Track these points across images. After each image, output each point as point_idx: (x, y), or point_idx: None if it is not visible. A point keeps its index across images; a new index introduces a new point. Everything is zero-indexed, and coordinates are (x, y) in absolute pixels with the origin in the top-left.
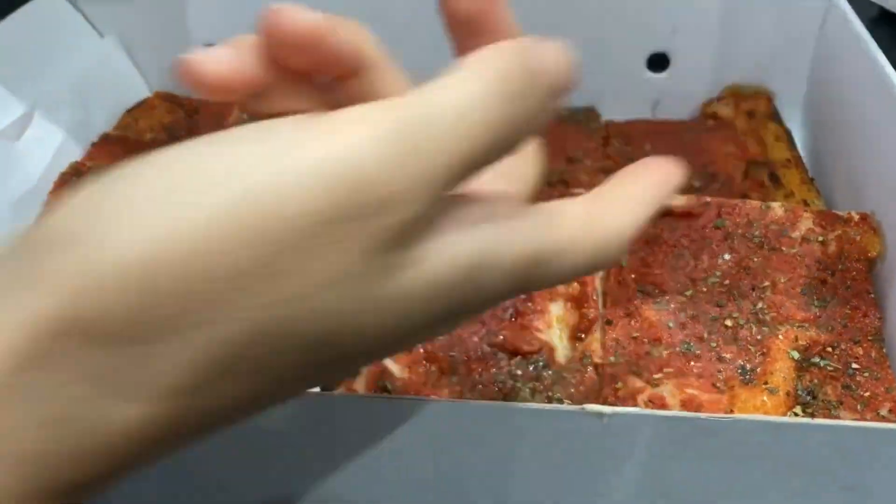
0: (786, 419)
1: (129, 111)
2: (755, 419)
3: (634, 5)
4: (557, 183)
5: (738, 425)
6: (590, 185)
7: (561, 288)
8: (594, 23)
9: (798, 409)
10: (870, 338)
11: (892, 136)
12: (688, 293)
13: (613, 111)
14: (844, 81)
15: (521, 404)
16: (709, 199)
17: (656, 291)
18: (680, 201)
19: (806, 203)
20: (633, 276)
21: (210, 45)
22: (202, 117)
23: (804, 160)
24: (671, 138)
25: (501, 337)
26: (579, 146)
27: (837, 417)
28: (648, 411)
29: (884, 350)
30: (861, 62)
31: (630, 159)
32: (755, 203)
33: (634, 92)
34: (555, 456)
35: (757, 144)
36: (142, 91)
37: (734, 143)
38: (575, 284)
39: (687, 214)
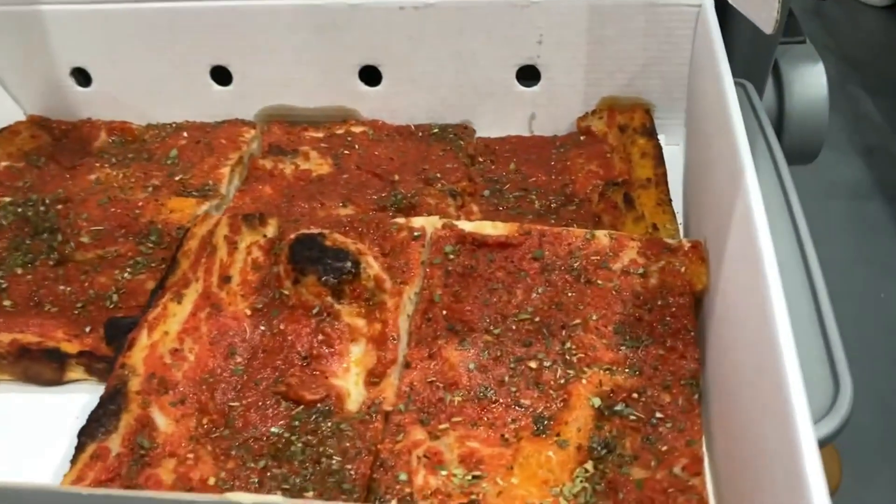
0: None
1: None
2: None
3: (497, 16)
4: (406, 207)
5: None
6: (436, 210)
7: (363, 327)
8: (458, 35)
9: (589, 465)
10: (682, 382)
11: (724, 160)
12: (496, 331)
13: (490, 127)
14: (703, 98)
15: (157, 493)
16: (531, 227)
17: (465, 329)
18: (498, 230)
19: (655, 227)
20: (443, 311)
21: (79, 68)
22: (70, 142)
23: (682, 178)
24: (537, 155)
25: (286, 385)
26: (440, 167)
27: (628, 475)
28: (294, 502)
29: (696, 397)
30: (712, 77)
31: (491, 179)
32: (579, 231)
33: (508, 106)
34: None
35: (622, 161)
36: (14, 115)
37: (598, 161)
38: (377, 323)
39: (505, 244)
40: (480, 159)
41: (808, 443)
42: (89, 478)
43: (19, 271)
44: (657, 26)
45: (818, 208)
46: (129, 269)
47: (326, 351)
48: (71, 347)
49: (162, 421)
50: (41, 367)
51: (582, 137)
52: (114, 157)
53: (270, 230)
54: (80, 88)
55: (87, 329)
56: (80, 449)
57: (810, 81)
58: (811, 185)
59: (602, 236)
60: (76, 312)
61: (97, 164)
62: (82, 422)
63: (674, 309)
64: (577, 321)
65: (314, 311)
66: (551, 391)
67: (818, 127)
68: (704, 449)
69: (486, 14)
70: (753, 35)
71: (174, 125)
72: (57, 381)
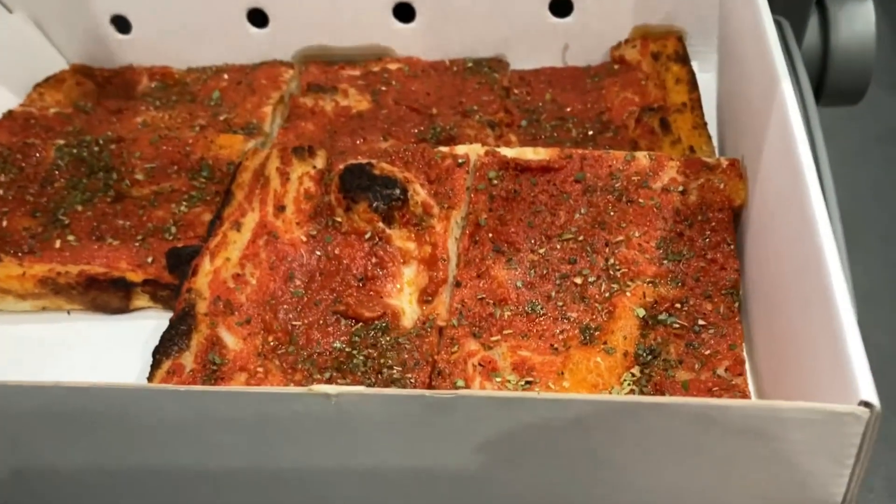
0: (510, 394)
1: (37, 86)
2: (480, 394)
3: None
4: (446, 139)
5: (464, 401)
6: (475, 141)
7: (414, 250)
8: None
9: (636, 370)
10: (723, 292)
11: (759, 76)
12: (541, 251)
13: (523, 59)
14: (737, 21)
15: (251, 389)
16: (572, 151)
17: (511, 250)
18: (540, 155)
19: (692, 149)
20: (489, 234)
21: (118, 15)
22: (113, 87)
23: (716, 102)
24: (572, 85)
25: (345, 304)
26: (476, 99)
27: (674, 378)
28: (374, 391)
29: (736, 304)
30: (745, 1)
31: (528, 110)
32: (619, 154)
33: (542, 39)
34: (289, 434)
35: (657, 88)
36: (57, 65)
37: (633, 89)
38: (427, 246)
39: (547, 168)
40: (516, 91)
41: (851, 328)
42: None
43: (79, 208)
44: None
45: (864, 150)
46: (184, 203)
47: (380, 273)
48: (136, 276)
49: (230, 340)
50: (109, 296)
51: (616, 66)
52: (158, 101)
53: (319, 162)
54: (119, 36)
55: (150, 259)
56: (155, 366)
57: (857, 18)
58: (857, 127)
59: (642, 157)
60: (137, 245)
61: (142, 108)
62: (151, 345)
63: (713, 224)
64: (620, 238)
65: (366, 237)
66: (597, 304)
67: (864, 66)
68: (744, 352)
69: None
70: None
71: (214, 68)
72: (123, 308)
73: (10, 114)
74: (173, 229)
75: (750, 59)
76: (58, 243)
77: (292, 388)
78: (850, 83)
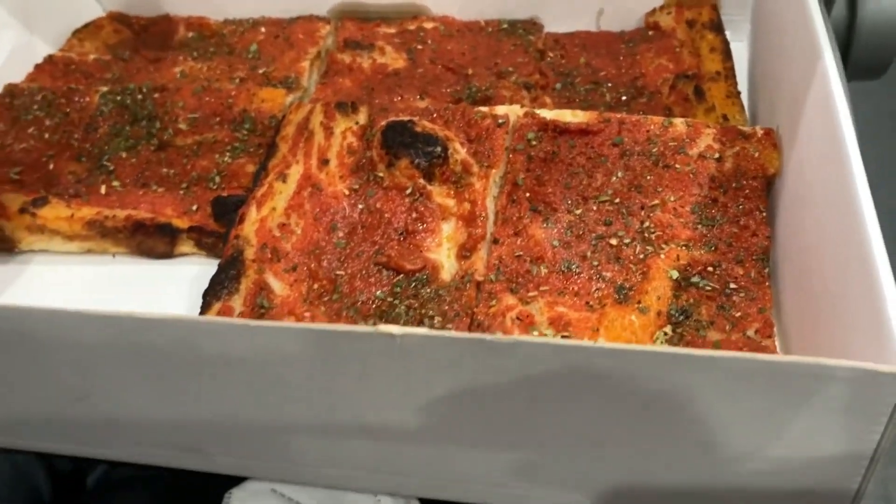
0: (567, 342)
1: (76, 32)
2: (538, 341)
3: None
4: (482, 100)
5: (522, 347)
6: (511, 102)
7: (453, 207)
8: None
9: (668, 329)
10: (754, 257)
11: (800, 47)
12: (577, 212)
13: (557, 22)
14: None
15: (320, 325)
16: (610, 115)
17: (547, 209)
18: (579, 118)
19: (726, 117)
20: (527, 194)
21: None
22: (150, 36)
23: (747, 72)
24: (606, 50)
25: (387, 256)
26: (511, 60)
27: (705, 338)
28: (437, 332)
29: (766, 270)
30: None
31: (562, 73)
32: (657, 119)
33: (577, 2)
34: (351, 370)
35: (691, 56)
36: (94, 11)
37: (668, 56)
38: (466, 203)
39: (585, 131)
40: (550, 54)
41: (891, 292)
42: None
43: (123, 155)
44: None
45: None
46: (228, 154)
47: (420, 227)
48: (182, 223)
49: (277, 285)
50: (154, 241)
51: (650, 32)
52: (195, 51)
53: (362, 117)
54: None
55: (195, 207)
56: (205, 307)
57: None
58: (871, 101)
59: (679, 123)
60: (182, 192)
61: (180, 58)
62: (195, 289)
63: (747, 191)
64: (656, 202)
65: (407, 192)
66: (631, 265)
67: (891, 41)
68: (773, 316)
69: None
70: None
71: (251, 21)
72: (168, 254)
73: (50, 58)
74: (217, 179)
75: (789, 31)
76: (103, 188)
77: (358, 327)
78: (874, 58)
